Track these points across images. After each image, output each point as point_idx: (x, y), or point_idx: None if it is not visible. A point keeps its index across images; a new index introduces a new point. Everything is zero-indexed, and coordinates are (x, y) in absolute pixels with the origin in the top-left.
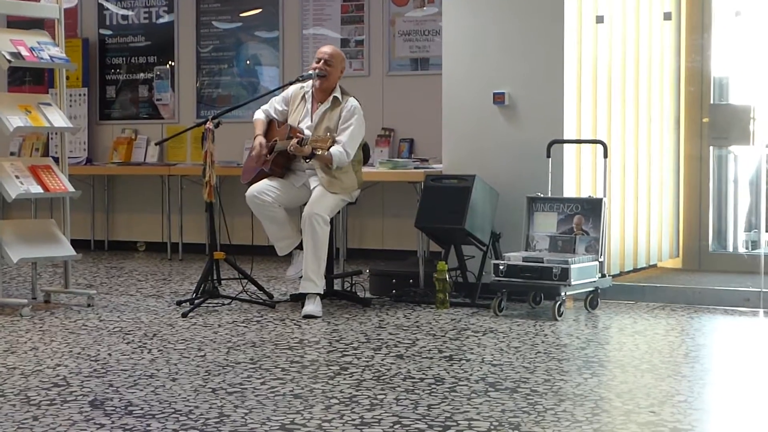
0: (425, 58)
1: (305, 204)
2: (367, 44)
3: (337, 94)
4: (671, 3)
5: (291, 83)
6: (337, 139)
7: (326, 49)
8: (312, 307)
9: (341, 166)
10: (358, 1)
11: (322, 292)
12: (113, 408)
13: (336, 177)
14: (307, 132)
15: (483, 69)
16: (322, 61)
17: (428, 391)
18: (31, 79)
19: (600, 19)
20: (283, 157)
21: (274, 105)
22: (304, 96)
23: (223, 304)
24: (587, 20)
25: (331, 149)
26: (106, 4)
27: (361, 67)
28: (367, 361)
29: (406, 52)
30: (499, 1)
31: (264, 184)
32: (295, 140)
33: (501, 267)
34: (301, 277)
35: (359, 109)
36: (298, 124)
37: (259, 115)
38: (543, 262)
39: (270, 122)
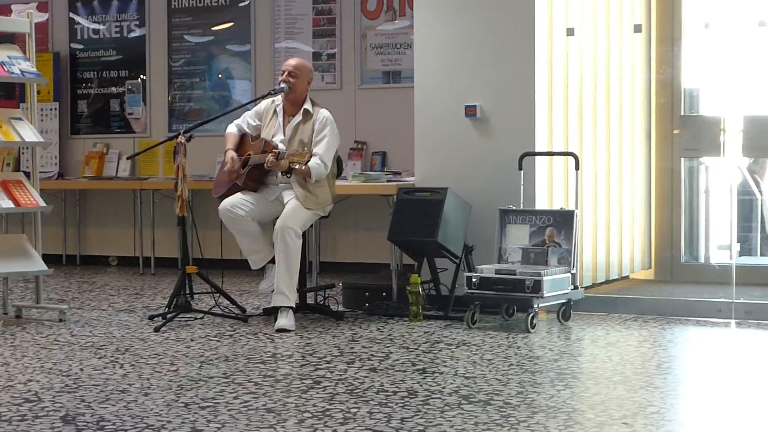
0: (397, 71)
1: (278, 218)
2: (339, 57)
3: (308, 106)
4: (641, 15)
5: (263, 97)
6: (313, 151)
7: (291, 61)
8: (285, 320)
9: (320, 179)
10: (330, 14)
11: (294, 306)
12: (85, 423)
13: (311, 192)
14: (281, 146)
15: (455, 82)
16: (286, 72)
17: (401, 404)
18: (1, 93)
19: (571, 32)
20: (256, 171)
21: (246, 119)
22: (275, 110)
23: (196, 319)
24: (558, 33)
25: (309, 162)
26: (77, 18)
27: (333, 80)
28: (340, 375)
29: (378, 65)
30: (471, 15)
31: (237, 197)
32: (271, 155)
33: (474, 279)
34: (273, 290)
35: (331, 120)
36: (272, 138)
37: (232, 129)
38: (516, 275)
39: (243, 136)
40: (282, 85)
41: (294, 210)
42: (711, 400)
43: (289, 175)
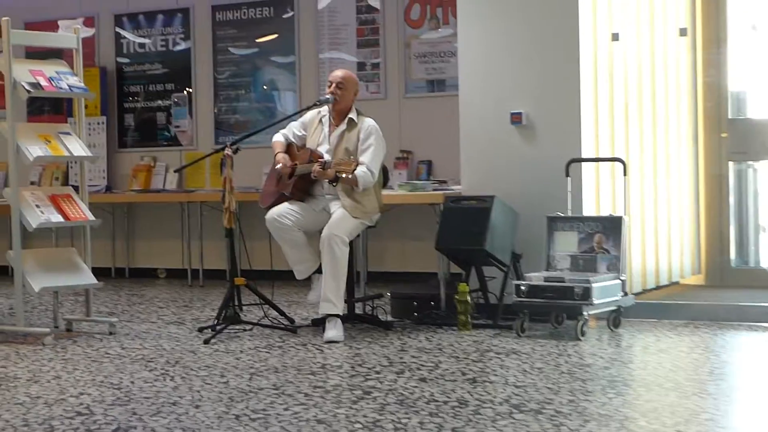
0: (441, 80)
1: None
2: (384, 67)
3: (353, 115)
4: (686, 18)
5: (308, 108)
6: (359, 160)
7: (338, 73)
8: (334, 332)
9: (367, 187)
10: (374, 24)
11: (341, 313)
12: None
13: (359, 202)
14: (326, 156)
15: (499, 89)
16: (334, 84)
17: (452, 414)
18: (50, 108)
19: (615, 37)
20: (303, 181)
21: (292, 129)
22: (321, 120)
23: (245, 330)
24: (602, 37)
25: (355, 171)
26: (123, 33)
27: (377, 90)
28: (390, 385)
29: (422, 74)
30: (515, 22)
31: (284, 207)
32: (317, 164)
33: (522, 287)
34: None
35: (377, 128)
36: (317, 147)
37: (278, 137)
38: (564, 282)
39: (288, 146)
40: (327, 96)
41: (341, 219)
42: (765, 406)
43: (335, 184)
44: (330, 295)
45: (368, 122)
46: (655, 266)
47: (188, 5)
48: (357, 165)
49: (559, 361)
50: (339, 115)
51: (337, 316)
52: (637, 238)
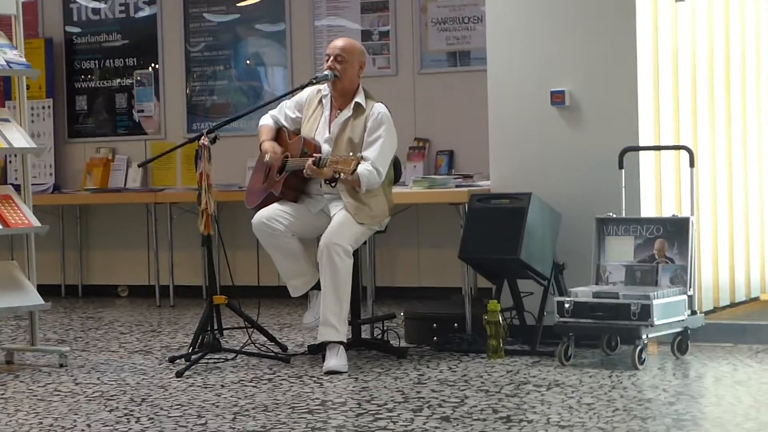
0: (465, 51)
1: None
2: (394, 36)
3: (360, 98)
4: None
5: (302, 87)
6: (363, 155)
7: (337, 43)
8: (335, 361)
9: (371, 188)
10: None
11: (345, 341)
12: None
13: (364, 203)
14: (324, 146)
15: (537, 62)
16: (332, 57)
17: None
18: None
19: None
20: (296, 178)
21: (285, 111)
22: (321, 101)
23: (227, 360)
24: (664, 0)
25: (358, 169)
26: None
27: (386, 64)
28: (406, 426)
29: (441, 45)
30: None
31: (274, 209)
32: (310, 161)
33: (566, 305)
34: (319, 323)
35: (388, 117)
36: (314, 135)
37: (266, 120)
38: (618, 298)
39: (278, 131)
40: (326, 72)
41: (343, 223)
42: None
43: (333, 184)
44: (331, 317)
45: (378, 108)
46: (729, 279)
47: None
48: (358, 162)
49: (613, 396)
50: (342, 96)
51: (340, 342)
52: (707, 245)
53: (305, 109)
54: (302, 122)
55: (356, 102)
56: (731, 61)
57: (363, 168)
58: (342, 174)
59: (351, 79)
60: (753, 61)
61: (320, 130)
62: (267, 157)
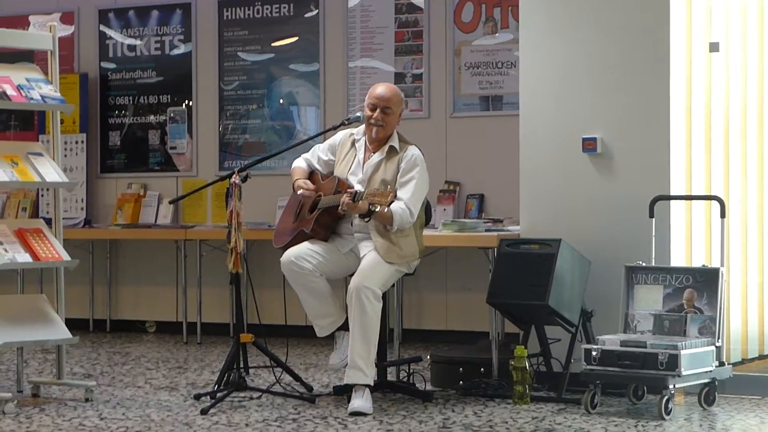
0: (498, 96)
1: (352, 275)
2: (427, 79)
3: (394, 143)
4: None
5: (335, 127)
6: (397, 195)
7: (382, 92)
8: (360, 402)
9: (403, 228)
10: (416, 26)
11: (372, 384)
12: None
13: (395, 243)
14: (357, 186)
15: (570, 109)
16: (379, 109)
17: None
18: (17, 123)
19: (715, 47)
20: (327, 217)
21: (317, 153)
22: (353, 144)
23: (252, 398)
24: (698, 49)
25: (391, 206)
26: (109, 32)
27: (419, 107)
28: None
29: (474, 89)
30: (590, 26)
31: (303, 247)
32: (347, 195)
33: (594, 353)
34: (346, 365)
35: (422, 160)
36: (347, 176)
37: (299, 163)
38: (646, 347)
39: (311, 174)
40: (358, 114)
41: (373, 265)
42: None
43: (368, 219)
44: (359, 360)
45: (412, 151)
46: (758, 330)
47: (189, 0)
48: (394, 196)
49: None
50: (378, 141)
51: (366, 385)
52: (737, 296)
53: (339, 153)
54: (335, 165)
55: (391, 145)
56: (764, 112)
57: (396, 206)
58: (378, 207)
59: (392, 127)
60: None
61: (353, 172)
62: (300, 191)
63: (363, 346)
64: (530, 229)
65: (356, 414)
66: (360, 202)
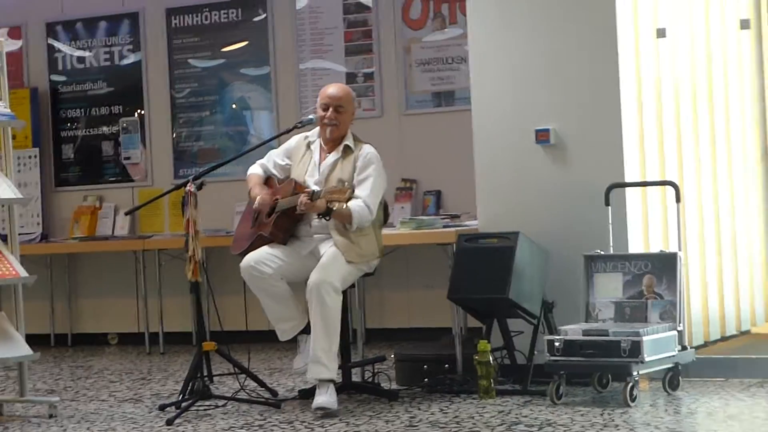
0: (450, 92)
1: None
2: (379, 78)
3: (349, 141)
4: (748, 8)
5: (289, 131)
6: (355, 193)
7: (334, 91)
8: (325, 398)
9: (362, 227)
10: (365, 26)
11: (335, 378)
12: None
13: (354, 242)
14: (314, 187)
15: (521, 101)
16: (332, 108)
17: None
18: None
19: (661, 33)
20: (286, 219)
21: (273, 159)
22: (309, 146)
23: (218, 406)
24: (646, 35)
25: (349, 203)
26: (57, 45)
27: (372, 106)
28: None
29: (426, 86)
30: (538, 17)
31: (262, 252)
32: (304, 195)
33: (557, 344)
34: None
35: (377, 157)
36: (305, 178)
37: (255, 169)
38: (608, 335)
39: (267, 179)
40: (311, 117)
41: (332, 261)
42: None
43: (327, 218)
44: (321, 354)
45: (367, 149)
46: (719, 313)
47: (137, 9)
48: (352, 192)
49: None
50: (333, 141)
51: (330, 380)
52: (696, 279)
53: (294, 156)
54: (292, 168)
55: (345, 144)
56: (714, 95)
57: (354, 204)
58: (336, 204)
59: (345, 126)
60: (736, 94)
61: (310, 174)
62: (257, 201)
63: (325, 340)
64: (488, 223)
65: (321, 409)
66: (318, 200)
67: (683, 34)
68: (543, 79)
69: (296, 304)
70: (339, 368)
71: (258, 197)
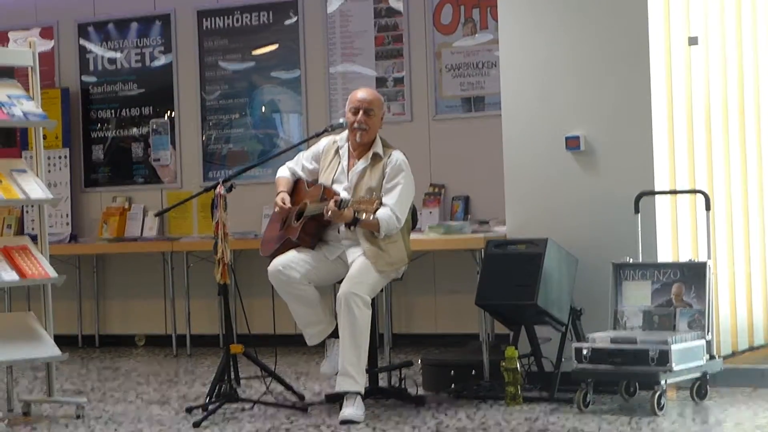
0: (480, 97)
1: (341, 282)
2: (408, 82)
3: (378, 149)
4: None
5: (318, 134)
6: (383, 200)
7: (364, 95)
8: (351, 410)
9: (390, 234)
10: (396, 30)
11: (363, 391)
12: None
13: (383, 249)
14: (343, 194)
15: (552, 108)
16: (362, 111)
17: None
18: (0, 140)
19: (694, 41)
20: (314, 224)
21: (302, 162)
22: (337, 151)
23: (244, 409)
24: (677, 43)
25: (378, 213)
26: (89, 46)
27: (401, 110)
28: None
29: (456, 91)
30: (570, 23)
31: (291, 256)
32: (332, 203)
33: (584, 351)
34: (337, 372)
35: (406, 164)
36: (332, 184)
37: (283, 172)
38: (636, 344)
39: (296, 182)
40: (341, 120)
41: (361, 272)
42: None
43: (353, 228)
44: (349, 367)
45: (396, 156)
46: (748, 322)
47: (168, 10)
48: (380, 203)
49: None
50: (362, 146)
51: (358, 392)
52: (725, 288)
53: (322, 160)
54: (320, 173)
55: (374, 152)
56: (746, 104)
57: (383, 212)
58: (364, 214)
59: (375, 131)
60: (767, 102)
61: (338, 180)
62: (276, 208)
63: (353, 353)
64: (516, 230)
65: (348, 422)
66: (345, 210)
67: (715, 42)
68: (573, 86)
69: (324, 309)
70: (366, 372)
71: (278, 202)
